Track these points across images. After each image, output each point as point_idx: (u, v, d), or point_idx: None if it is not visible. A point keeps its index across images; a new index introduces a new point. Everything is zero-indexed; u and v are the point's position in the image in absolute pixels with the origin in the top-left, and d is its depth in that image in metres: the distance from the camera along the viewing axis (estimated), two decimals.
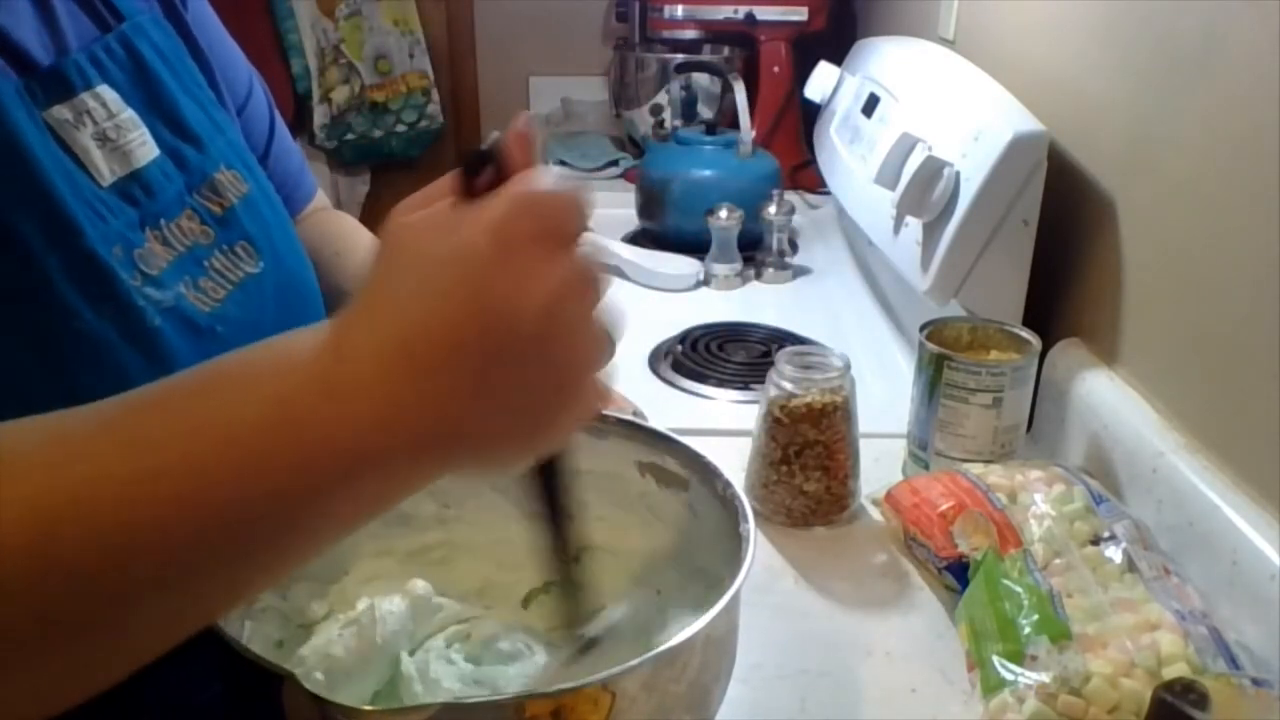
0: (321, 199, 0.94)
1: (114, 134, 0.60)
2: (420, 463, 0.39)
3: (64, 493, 0.35)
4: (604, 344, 0.40)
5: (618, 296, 0.41)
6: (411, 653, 0.60)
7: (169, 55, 0.67)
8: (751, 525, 0.55)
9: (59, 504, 0.35)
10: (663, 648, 0.47)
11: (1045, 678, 0.59)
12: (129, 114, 0.62)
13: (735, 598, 0.51)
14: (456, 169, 0.40)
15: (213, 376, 0.39)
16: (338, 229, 0.91)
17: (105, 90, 0.61)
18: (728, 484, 0.59)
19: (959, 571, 0.73)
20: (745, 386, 1.07)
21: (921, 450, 0.87)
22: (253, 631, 0.57)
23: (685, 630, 0.47)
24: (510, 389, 0.38)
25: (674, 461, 0.64)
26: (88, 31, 0.63)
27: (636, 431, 0.66)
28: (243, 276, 0.66)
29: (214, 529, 0.36)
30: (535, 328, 0.37)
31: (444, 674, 0.58)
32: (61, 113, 0.58)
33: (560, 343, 0.38)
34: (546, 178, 0.39)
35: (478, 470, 0.41)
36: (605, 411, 0.66)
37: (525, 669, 0.60)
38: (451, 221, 0.38)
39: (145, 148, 0.62)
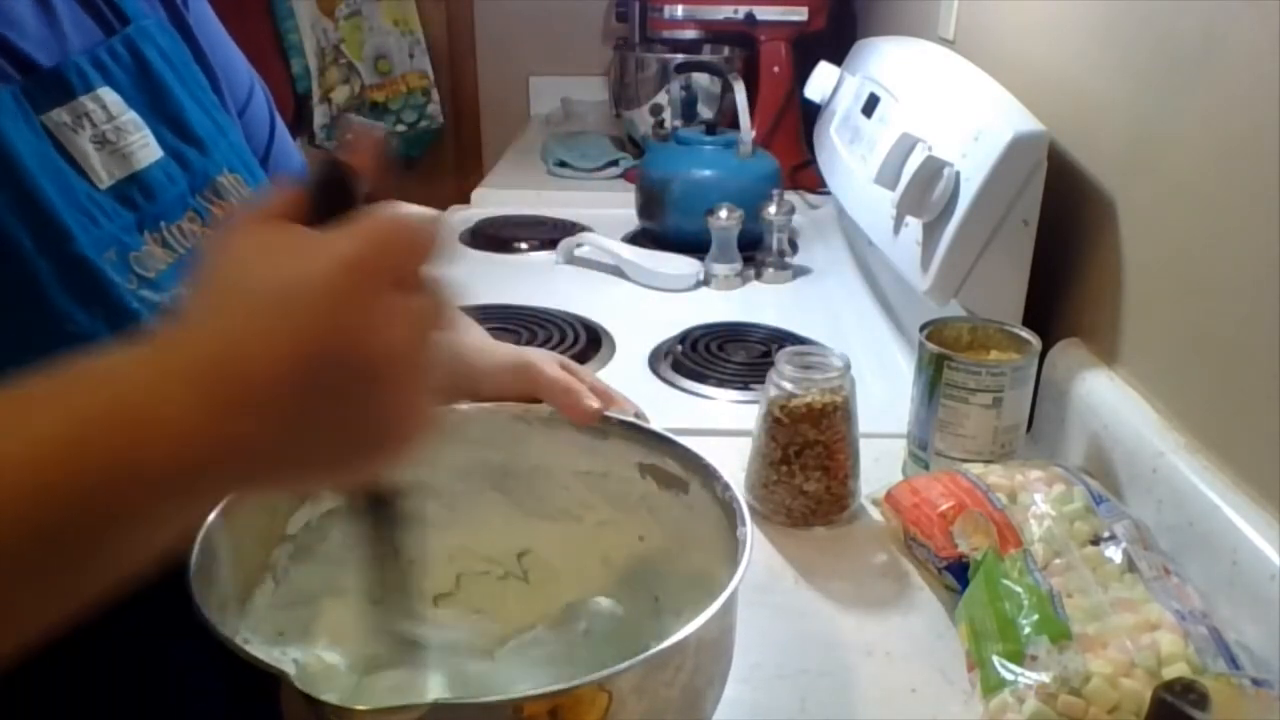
0: None
1: (114, 136, 0.60)
2: (219, 488, 0.39)
3: None
4: (437, 372, 0.40)
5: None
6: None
7: (174, 59, 0.67)
8: (749, 529, 0.55)
9: None
10: (653, 650, 0.47)
11: (1045, 678, 0.59)
12: (130, 116, 0.62)
13: (730, 602, 0.50)
14: (300, 187, 0.39)
15: (36, 389, 0.37)
16: None
17: (106, 93, 0.61)
18: (726, 486, 0.59)
19: (959, 571, 0.73)
20: (745, 386, 1.07)
21: (921, 450, 0.87)
22: (253, 623, 0.57)
23: (677, 634, 0.47)
24: (335, 424, 0.38)
25: (674, 463, 0.64)
26: (91, 34, 0.63)
27: (637, 433, 0.66)
28: None
29: (10, 545, 0.35)
30: (374, 368, 0.37)
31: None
32: (60, 116, 0.58)
33: (396, 381, 0.38)
34: (401, 212, 0.38)
35: (289, 490, 0.41)
36: (607, 413, 0.67)
37: (522, 668, 0.60)
38: (300, 249, 0.37)
39: (147, 150, 0.62)
